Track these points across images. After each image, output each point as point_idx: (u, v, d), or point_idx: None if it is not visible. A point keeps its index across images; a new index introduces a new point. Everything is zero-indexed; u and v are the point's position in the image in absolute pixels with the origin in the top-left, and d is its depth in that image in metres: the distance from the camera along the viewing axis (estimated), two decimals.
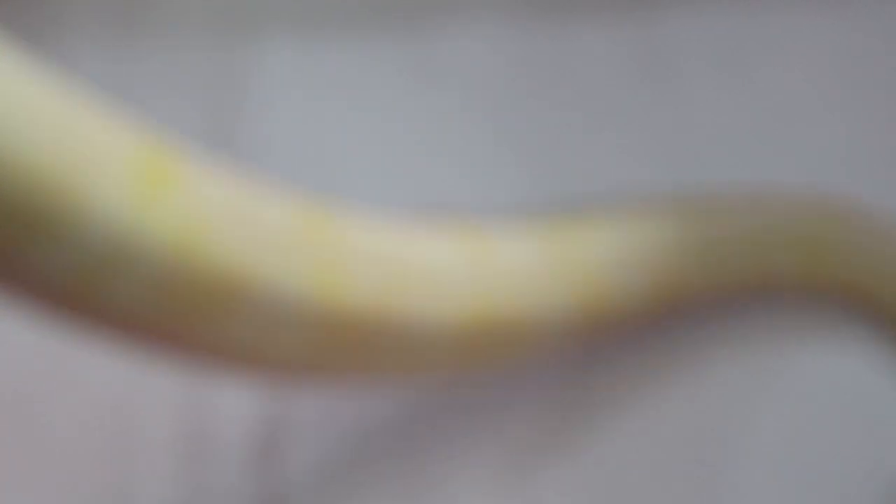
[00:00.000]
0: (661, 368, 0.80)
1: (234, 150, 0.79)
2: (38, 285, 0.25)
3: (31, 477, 0.67)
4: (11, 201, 0.23)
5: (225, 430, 0.75)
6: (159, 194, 0.25)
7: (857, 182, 0.82)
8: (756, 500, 0.75)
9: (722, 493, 0.76)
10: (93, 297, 0.26)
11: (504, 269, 0.34)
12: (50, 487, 0.65)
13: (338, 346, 0.32)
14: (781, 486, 0.79)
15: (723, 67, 0.82)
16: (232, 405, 0.75)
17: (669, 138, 0.81)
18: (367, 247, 0.32)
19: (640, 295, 0.35)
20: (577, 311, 0.34)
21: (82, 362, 0.71)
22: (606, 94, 0.81)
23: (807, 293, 0.46)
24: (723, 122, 0.81)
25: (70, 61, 0.78)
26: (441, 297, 0.32)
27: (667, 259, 0.35)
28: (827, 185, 0.82)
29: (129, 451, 0.73)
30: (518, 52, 0.81)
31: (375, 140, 0.79)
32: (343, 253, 0.31)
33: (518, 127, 0.81)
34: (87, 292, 0.26)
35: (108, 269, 0.25)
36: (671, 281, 0.35)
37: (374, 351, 0.33)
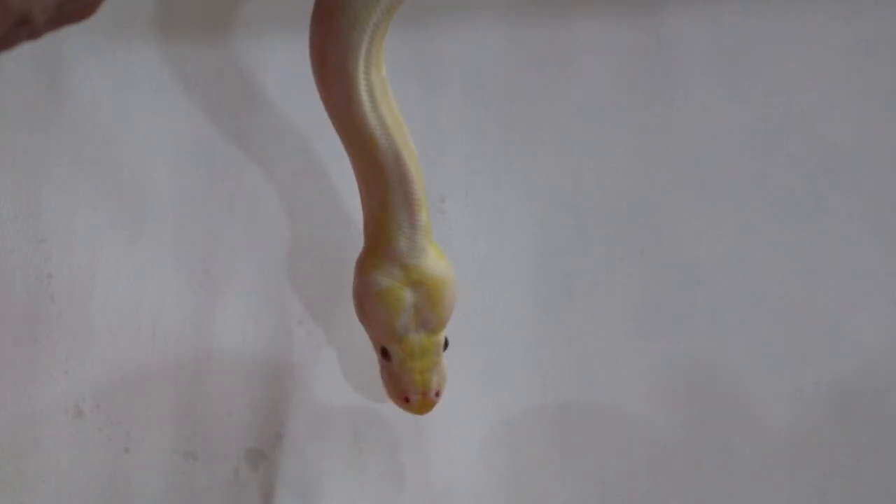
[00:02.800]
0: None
1: (240, 140, 0.79)
2: None
3: None
4: None
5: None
6: None
7: (856, 177, 0.82)
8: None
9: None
10: None
11: None
12: None
13: None
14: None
15: (722, 65, 0.82)
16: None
17: (669, 134, 0.81)
18: None
19: None
20: None
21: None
22: (606, 91, 0.81)
23: None
24: (723, 119, 0.81)
25: (71, 57, 0.78)
26: None
27: None
28: (827, 181, 0.81)
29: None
30: (519, 48, 0.81)
31: None
32: None
33: (518, 122, 0.81)
34: None
35: None
36: None
37: None
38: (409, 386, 0.63)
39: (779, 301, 0.80)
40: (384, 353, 0.63)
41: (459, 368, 0.78)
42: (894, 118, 0.81)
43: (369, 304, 0.62)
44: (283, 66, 0.78)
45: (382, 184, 0.60)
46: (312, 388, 0.76)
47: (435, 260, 0.63)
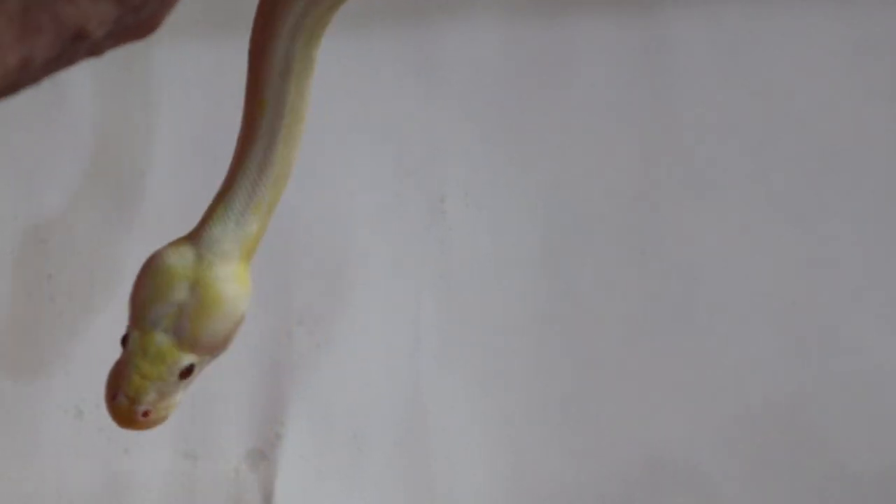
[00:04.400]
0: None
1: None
2: None
3: None
4: None
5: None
6: None
7: (854, 174, 0.82)
8: None
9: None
10: None
11: None
12: None
13: None
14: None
15: (722, 66, 0.82)
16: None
17: (670, 135, 0.81)
18: None
19: None
20: None
21: None
22: (606, 91, 0.81)
23: None
24: (723, 119, 0.81)
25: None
26: None
27: None
28: (827, 181, 0.81)
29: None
30: (519, 48, 0.81)
31: (378, 130, 0.79)
32: None
33: (518, 122, 0.81)
34: None
35: None
36: None
37: None
38: (121, 381, 0.52)
39: (779, 301, 0.80)
40: (124, 339, 0.54)
41: (460, 368, 0.78)
42: (894, 118, 0.81)
43: (143, 274, 0.54)
44: None
45: (245, 157, 0.54)
46: (312, 388, 0.76)
47: (231, 275, 0.53)
